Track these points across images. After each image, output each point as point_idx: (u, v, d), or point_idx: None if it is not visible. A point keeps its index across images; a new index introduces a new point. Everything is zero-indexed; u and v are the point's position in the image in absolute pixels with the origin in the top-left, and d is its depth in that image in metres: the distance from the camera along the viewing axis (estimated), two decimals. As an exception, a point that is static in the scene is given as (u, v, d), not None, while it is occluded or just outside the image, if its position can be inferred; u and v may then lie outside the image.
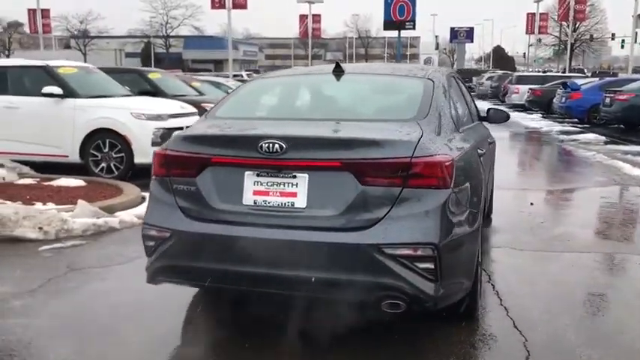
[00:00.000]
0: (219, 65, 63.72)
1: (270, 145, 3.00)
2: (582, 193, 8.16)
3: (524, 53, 70.84)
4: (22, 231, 5.42)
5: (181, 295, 3.89)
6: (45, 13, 40.54)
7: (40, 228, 5.47)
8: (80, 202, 6.02)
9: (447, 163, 3.04)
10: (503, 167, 10.98)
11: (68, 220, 5.66)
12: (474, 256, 3.38)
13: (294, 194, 3.04)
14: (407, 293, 2.93)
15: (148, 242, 3.32)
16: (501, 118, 5.41)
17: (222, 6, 28.43)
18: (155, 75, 12.28)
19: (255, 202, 3.09)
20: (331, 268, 2.95)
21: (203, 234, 3.12)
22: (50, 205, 6.23)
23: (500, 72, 37.61)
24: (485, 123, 5.30)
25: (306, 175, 3.03)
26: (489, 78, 34.63)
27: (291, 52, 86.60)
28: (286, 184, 3.06)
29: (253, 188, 3.10)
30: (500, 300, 4.03)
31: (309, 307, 3.24)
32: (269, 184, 3.08)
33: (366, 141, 3.03)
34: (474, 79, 40.36)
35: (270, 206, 3.07)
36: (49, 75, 8.67)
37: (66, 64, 9.28)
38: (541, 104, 22.33)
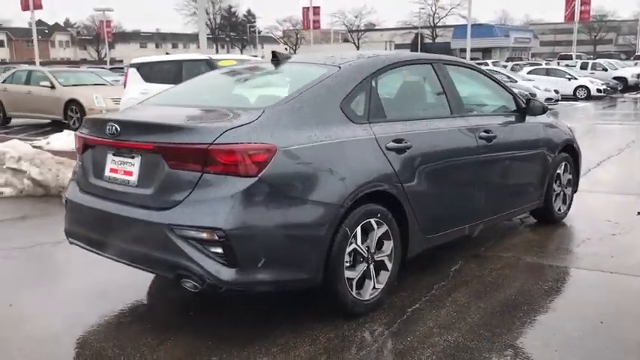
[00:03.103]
0: (487, 54, 62.46)
1: (110, 127, 3.36)
2: None
3: None
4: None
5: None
6: (316, 10, 44.67)
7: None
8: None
9: (252, 152, 3.01)
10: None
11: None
12: (314, 249, 3.19)
13: (130, 173, 3.34)
14: (197, 274, 3.01)
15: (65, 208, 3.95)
16: (539, 110, 4.99)
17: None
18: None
19: (109, 178, 3.47)
20: (142, 243, 3.20)
21: (78, 203, 3.64)
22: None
23: None
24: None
25: (140, 156, 3.31)
26: None
27: (573, 37, 79.81)
28: (128, 164, 3.37)
29: (110, 166, 3.48)
30: (419, 304, 3.69)
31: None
32: (119, 162, 3.43)
33: (172, 127, 3.18)
34: None
35: (116, 182, 3.42)
36: (210, 67, 9.96)
37: (227, 57, 10.55)
38: None
